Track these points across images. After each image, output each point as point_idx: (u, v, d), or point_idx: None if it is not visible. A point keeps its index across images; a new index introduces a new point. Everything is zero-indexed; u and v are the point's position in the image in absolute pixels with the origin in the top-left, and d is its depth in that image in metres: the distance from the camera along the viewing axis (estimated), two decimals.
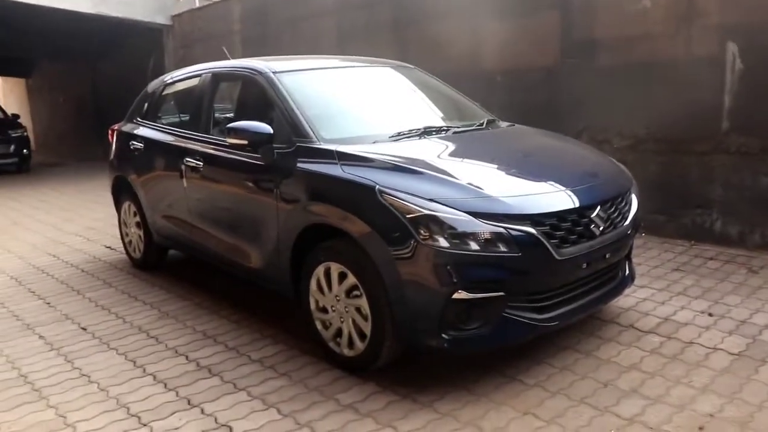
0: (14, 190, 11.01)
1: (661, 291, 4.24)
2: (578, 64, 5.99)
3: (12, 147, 13.74)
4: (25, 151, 13.99)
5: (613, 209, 3.27)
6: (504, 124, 4.30)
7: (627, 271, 3.63)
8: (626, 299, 4.04)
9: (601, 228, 3.14)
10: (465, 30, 6.96)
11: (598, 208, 3.14)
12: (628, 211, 3.44)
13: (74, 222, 7.67)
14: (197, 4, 11.64)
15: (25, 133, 14.41)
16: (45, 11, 11.05)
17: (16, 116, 15.12)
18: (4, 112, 15.39)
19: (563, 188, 3.11)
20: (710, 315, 3.79)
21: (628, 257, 3.66)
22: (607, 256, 3.23)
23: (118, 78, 13.68)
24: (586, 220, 3.07)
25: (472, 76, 6.82)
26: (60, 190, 10.70)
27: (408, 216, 2.80)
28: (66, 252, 6.12)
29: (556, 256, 2.89)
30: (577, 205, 3.05)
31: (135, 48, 13.23)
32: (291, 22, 9.43)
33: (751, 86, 4.96)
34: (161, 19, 12.04)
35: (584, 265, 3.09)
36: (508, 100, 6.54)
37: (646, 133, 5.60)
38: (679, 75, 5.32)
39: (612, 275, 3.47)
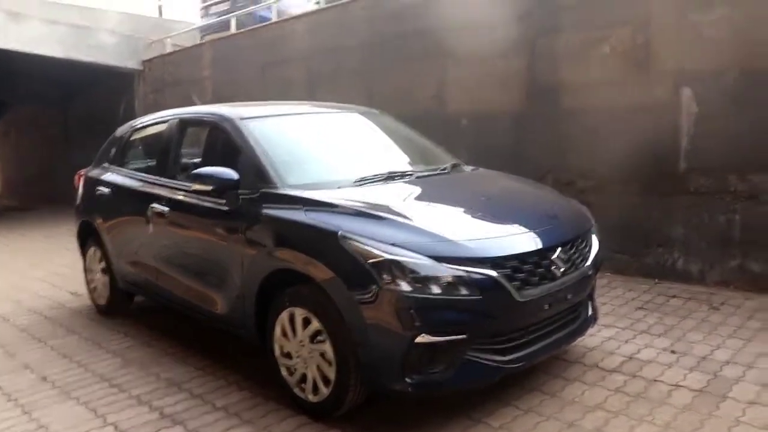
0: None
1: (625, 329, 4.30)
2: (542, 108, 6.13)
3: None
4: None
5: (573, 250, 3.34)
6: (468, 168, 4.38)
7: (590, 311, 3.68)
8: (591, 338, 4.09)
9: (562, 269, 3.20)
10: (431, 74, 7.11)
11: (559, 249, 3.20)
12: (589, 251, 3.51)
13: (40, 267, 7.56)
14: (168, 50, 11.72)
15: None
16: (16, 56, 11.05)
17: None
18: None
19: (524, 231, 3.18)
20: (673, 352, 3.85)
21: (591, 297, 3.72)
22: (569, 296, 3.28)
23: (89, 121, 13.62)
24: (547, 261, 3.13)
25: (439, 119, 6.96)
26: (27, 236, 10.54)
27: (370, 261, 2.83)
28: (29, 298, 6.02)
29: (518, 298, 2.93)
30: (538, 247, 3.10)
31: (106, 92, 13.22)
32: (261, 67, 9.54)
33: (705, 129, 5.12)
34: (132, 64, 12.09)
35: (546, 307, 3.13)
36: (474, 144, 6.66)
37: (609, 174, 5.74)
38: (639, 118, 5.48)
39: (575, 315, 3.51)
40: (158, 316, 5.12)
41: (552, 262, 3.14)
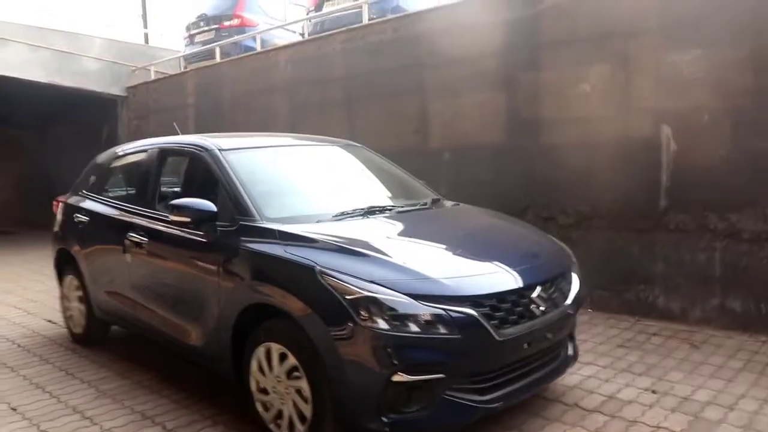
0: None
1: (606, 368, 4.27)
2: (523, 143, 6.17)
3: None
4: None
5: (553, 289, 3.33)
6: (448, 204, 4.38)
7: (570, 350, 3.66)
8: (571, 377, 4.05)
9: (541, 308, 3.18)
10: (413, 108, 7.15)
11: (539, 288, 3.19)
12: (569, 290, 3.50)
13: (15, 294, 7.42)
14: (153, 77, 11.71)
15: None
16: None
17: None
18: None
19: (503, 269, 3.17)
20: (654, 392, 3.83)
21: (571, 336, 3.70)
22: (549, 335, 3.26)
23: (70, 146, 13.52)
24: (526, 300, 3.11)
25: (421, 153, 6.98)
26: (3, 260, 10.35)
27: (348, 297, 2.80)
28: (3, 326, 5.89)
29: (497, 337, 2.90)
30: (517, 285, 3.09)
31: (88, 117, 13.16)
32: (244, 96, 9.56)
33: (684, 166, 5.18)
34: (116, 90, 12.06)
35: (526, 346, 3.11)
36: (455, 178, 6.69)
37: (590, 210, 5.76)
38: (619, 155, 5.53)
39: (555, 354, 3.49)
40: (135, 346, 5.02)
41: (531, 301, 3.13)
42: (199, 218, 3.53)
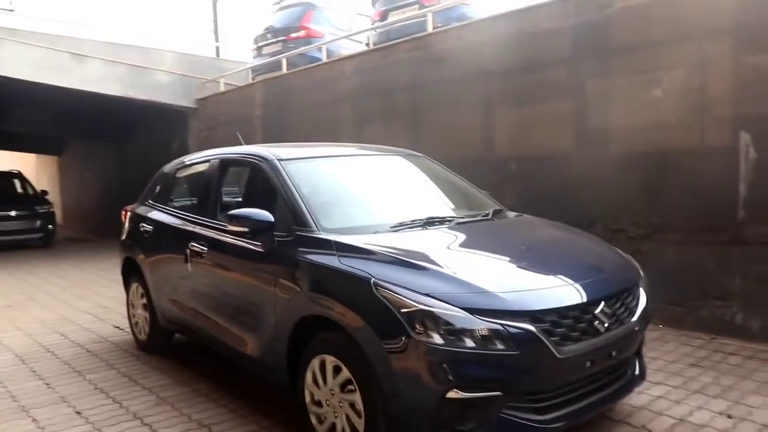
0: (36, 265, 11.15)
1: (677, 388, 4.04)
2: (592, 152, 5.97)
3: (38, 222, 14.14)
4: (50, 226, 14.33)
5: (618, 304, 3.16)
6: (511, 215, 4.26)
7: (637, 369, 3.47)
8: (639, 397, 3.86)
9: (606, 324, 3.03)
10: (479, 117, 7.03)
11: (603, 303, 3.04)
12: (636, 305, 3.33)
13: (88, 300, 7.68)
14: (222, 89, 11.99)
15: (51, 209, 14.79)
16: (76, 93, 11.50)
17: (44, 192, 15.61)
18: (33, 188, 15.87)
19: (565, 283, 3.03)
20: (729, 417, 3.60)
21: (639, 353, 3.52)
22: (614, 353, 3.10)
23: (143, 157, 14.00)
24: (589, 316, 2.97)
25: (488, 163, 6.85)
26: (80, 267, 10.79)
27: (403, 310, 2.73)
28: (74, 331, 6.10)
29: (557, 355, 2.77)
30: (580, 300, 2.96)
31: (160, 129, 13.60)
32: (310, 107, 9.64)
33: (765, 175, 4.88)
34: (186, 103, 12.42)
35: (588, 364, 2.96)
36: (522, 188, 6.53)
37: (662, 222, 5.51)
38: (694, 164, 5.27)
39: (620, 373, 3.32)
40: (197, 354, 5.09)
41: (595, 317, 2.98)
42: (257, 228, 3.54)
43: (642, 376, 3.52)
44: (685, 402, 3.82)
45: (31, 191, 15.66)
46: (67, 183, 21.07)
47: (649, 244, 5.55)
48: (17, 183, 15.86)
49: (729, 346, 4.86)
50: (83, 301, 7.63)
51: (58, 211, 17.61)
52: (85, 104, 12.76)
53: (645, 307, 3.38)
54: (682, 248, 5.39)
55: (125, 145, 15.77)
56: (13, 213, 13.79)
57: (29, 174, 18.66)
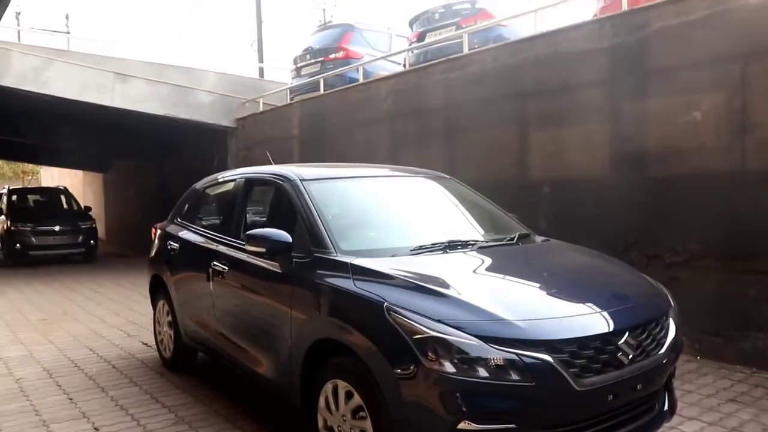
0: (75, 279, 11.38)
1: (712, 425, 3.84)
2: (628, 175, 5.80)
3: (80, 237, 14.50)
4: (92, 241, 14.67)
5: (645, 335, 3.01)
6: (538, 239, 4.14)
7: (666, 403, 3.30)
8: None
9: (630, 356, 2.88)
10: (513, 139, 6.93)
11: (627, 334, 2.89)
12: (665, 336, 3.16)
13: (120, 315, 7.77)
14: (261, 109, 12.13)
15: (94, 225, 15.13)
16: (121, 112, 11.79)
17: (88, 208, 15.98)
18: (78, 204, 16.29)
19: (588, 312, 2.90)
20: None
21: (668, 387, 3.34)
22: (639, 386, 2.95)
23: (184, 175, 14.15)
24: (612, 347, 2.82)
25: (521, 185, 6.75)
26: (117, 282, 10.96)
27: (415, 337, 2.65)
28: (103, 346, 6.15)
29: (576, 387, 2.64)
30: (603, 330, 2.82)
31: (201, 147, 13.81)
32: (346, 127, 9.66)
33: None
34: (226, 122, 12.62)
35: (610, 397, 2.82)
36: (556, 212, 6.39)
37: (700, 248, 5.30)
38: (734, 188, 5.07)
39: (647, 408, 3.15)
40: (219, 373, 5.06)
41: (618, 348, 2.84)
42: (274, 249, 3.50)
43: (672, 411, 3.34)
44: None
45: (75, 207, 16.07)
46: (111, 199, 21.59)
47: (687, 271, 5.35)
48: (63, 199, 16.30)
49: None
50: (116, 316, 7.72)
51: (101, 226, 18.03)
52: (129, 123, 13.07)
53: (675, 338, 3.21)
54: (722, 276, 5.17)
55: (167, 163, 16.07)
56: (56, 228, 14.15)
57: (76, 190, 19.18)
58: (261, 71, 18.97)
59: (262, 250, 3.54)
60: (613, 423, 2.92)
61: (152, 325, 5.83)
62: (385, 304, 2.80)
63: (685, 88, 5.37)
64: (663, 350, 3.09)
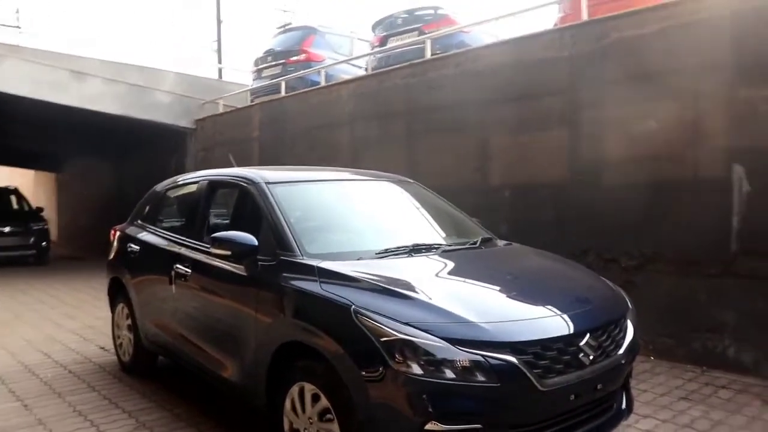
0: (27, 283, 11.07)
1: (666, 422, 3.98)
2: (586, 182, 5.95)
3: (31, 239, 14.07)
4: (43, 243, 14.27)
5: (605, 337, 3.11)
6: (500, 243, 4.22)
7: (624, 402, 3.40)
8: (627, 430, 3.80)
9: (591, 357, 2.97)
10: (474, 145, 7.03)
11: (588, 335, 2.98)
12: (623, 338, 3.26)
13: (76, 319, 7.60)
14: (220, 110, 12.02)
15: (46, 226, 14.71)
16: (76, 111, 11.53)
17: (39, 209, 15.54)
18: (29, 204, 15.83)
19: (550, 314, 2.99)
20: None
21: (626, 387, 3.44)
22: (599, 386, 3.04)
23: (141, 175, 13.96)
24: (573, 348, 2.91)
25: (481, 190, 6.84)
26: (71, 285, 10.71)
27: (382, 339, 2.68)
28: (58, 351, 6.01)
29: (540, 387, 2.71)
30: (564, 332, 2.90)
31: (158, 148, 13.59)
32: (307, 130, 9.65)
33: (759, 209, 4.85)
34: (185, 123, 12.45)
35: (572, 397, 2.90)
36: (516, 217, 6.50)
37: (654, 253, 5.47)
38: (686, 196, 5.25)
39: (606, 407, 3.24)
40: (180, 377, 5.01)
41: (580, 349, 2.92)
42: (240, 252, 3.50)
43: (629, 409, 3.44)
44: None
45: (26, 208, 15.63)
46: (64, 200, 21.08)
47: (642, 275, 5.51)
48: (13, 199, 15.83)
49: (720, 379, 4.80)
50: (71, 320, 7.55)
51: (53, 228, 17.57)
52: (84, 122, 12.78)
53: (632, 340, 3.32)
54: (675, 280, 5.35)
55: (123, 164, 15.77)
56: (6, 229, 13.73)
57: (26, 190, 18.65)
58: (220, 72, 18.81)
59: (228, 252, 3.53)
60: (574, 422, 3.01)
61: (109, 329, 5.73)
62: (353, 307, 2.83)
63: (642, 98, 5.53)
64: (621, 351, 3.20)
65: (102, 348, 6.10)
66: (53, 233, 17.24)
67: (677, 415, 4.10)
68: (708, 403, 4.30)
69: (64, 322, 7.40)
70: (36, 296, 9.51)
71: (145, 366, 5.13)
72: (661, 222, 5.41)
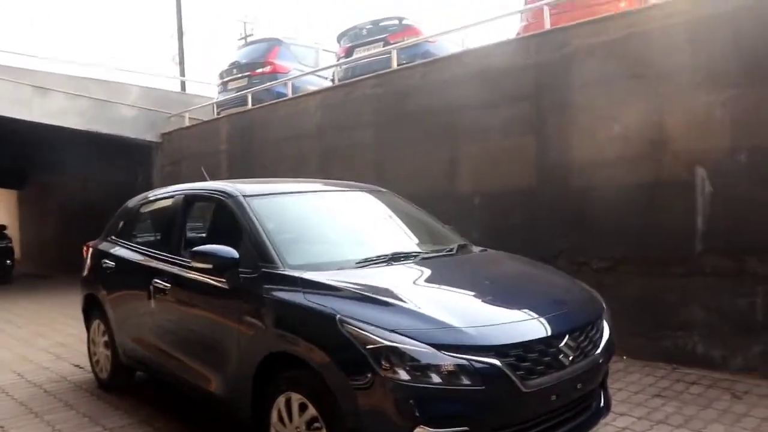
0: None
1: (641, 419, 4.09)
2: (554, 187, 6.08)
3: None
4: (8, 261, 14.03)
5: (583, 337, 3.20)
6: (476, 249, 4.30)
7: (602, 401, 3.50)
8: (605, 428, 3.89)
9: (570, 357, 3.06)
10: (443, 152, 7.12)
11: (567, 337, 3.07)
12: (600, 338, 3.36)
13: (47, 337, 7.48)
14: (186, 123, 11.93)
15: (10, 244, 14.46)
16: (38, 127, 11.34)
17: (3, 227, 15.21)
18: None
19: (531, 317, 3.07)
20: None
21: (603, 386, 3.54)
22: (579, 386, 3.13)
23: (107, 191, 13.78)
24: (554, 349, 2.99)
25: (451, 197, 6.93)
26: (39, 303, 10.53)
27: (368, 347, 2.73)
28: (31, 370, 5.91)
29: (523, 389, 2.79)
30: (544, 334, 2.98)
31: (124, 163, 13.41)
32: (275, 142, 9.65)
33: (721, 209, 5.02)
34: (151, 137, 12.33)
35: (554, 397, 2.98)
36: (487, 223, 6.60)
37: (623, 255, 5.61)
38: (652, 198, 5.41)
39: (585, 405, 3.33)
40: (159, 392, 4.98)
41: (560, 351, 3.01)
42: (221, 265, 3.51)
43: (607, 407, 3.55)
44: None
45: None
46: (27, 217, 20.66)
47: (612, 276, 5.64)
48: None
49: (691, 375, 4.94)
50: (42, 338, 7.43)
51: (16, 246, 17.19)
52: (48, 138, 12.58)
53: (609, 340, 3.41)
54: (643, 280, 5.49)
55: (89, 180, 15.52)
56: None
57: None
58: (183, 85, 18.63)
59: (209, 266, 3.54)
60: (556, 421, 3.09)
61: (82, 346, 5.66)
62: (338, 316, 2.87)
63: (607, 103, 5.69)
64: (599, 351, 3.29)
65: (77, 366, 6.01)
66: (16, 251, 16.85)
67: (652, 411, 4.22)
68: (681, 399, 4.43)
69: (35, 341, 7.27)
70: (2, 316, 9.31)
71: (123, 382, 5.09)
72: (627, 225, 5.56)
